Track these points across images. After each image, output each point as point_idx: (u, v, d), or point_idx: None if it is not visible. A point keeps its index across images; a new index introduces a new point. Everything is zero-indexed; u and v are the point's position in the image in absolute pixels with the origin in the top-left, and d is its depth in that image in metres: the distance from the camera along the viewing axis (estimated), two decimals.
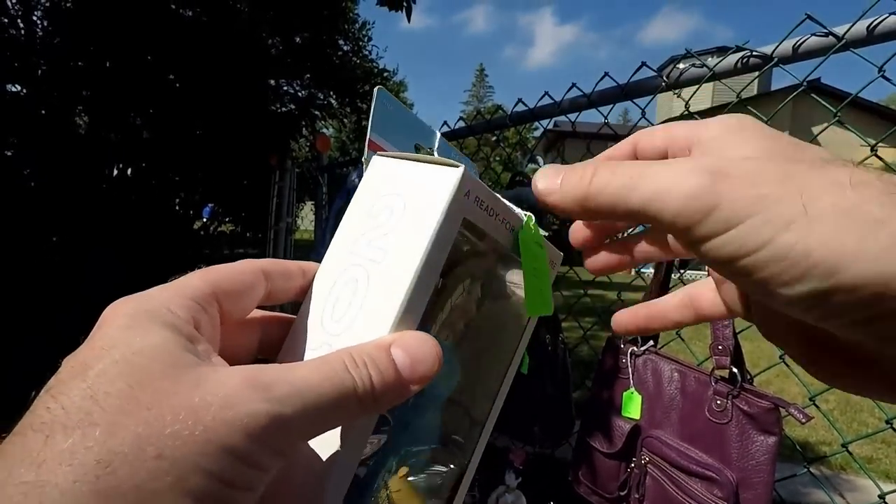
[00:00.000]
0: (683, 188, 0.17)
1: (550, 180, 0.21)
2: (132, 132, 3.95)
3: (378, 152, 0.26)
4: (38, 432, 0.15)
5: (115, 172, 3.96)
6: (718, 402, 0.79)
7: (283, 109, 5.19)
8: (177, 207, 4.48)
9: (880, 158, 0.63)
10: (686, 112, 0.91)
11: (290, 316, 0.26)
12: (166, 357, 0.17)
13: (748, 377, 0.79)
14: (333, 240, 0.25)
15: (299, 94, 5.39)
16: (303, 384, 0.18)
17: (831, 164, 0.16)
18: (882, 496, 0.79)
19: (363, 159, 0.27)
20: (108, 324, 0.18)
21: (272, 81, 4.95)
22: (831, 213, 0.15)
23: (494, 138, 1.68)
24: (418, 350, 0.21)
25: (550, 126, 1.35)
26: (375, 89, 0.28)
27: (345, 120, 6.25)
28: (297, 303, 0.25)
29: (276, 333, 0.25)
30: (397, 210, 0.23)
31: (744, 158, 0.18)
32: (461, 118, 1.63)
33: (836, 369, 0.20)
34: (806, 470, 0.89)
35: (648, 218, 0.18)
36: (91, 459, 0.14)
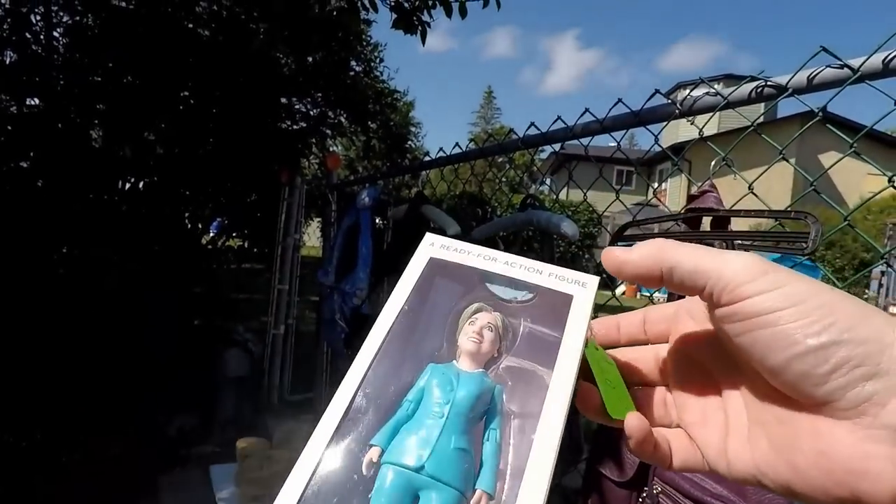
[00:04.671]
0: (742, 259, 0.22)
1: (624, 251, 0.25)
2: (145, 147, 4.01)
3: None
4: None
5: (127, 186, 4.01)
6: None
7: (294, 127, 5.26)
8: (186, 222, 4.51)
9: None
10: (699, 137, 0.92)
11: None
12: None
13: None
14: None
15: (310, 112, 5.47)
16: None
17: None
18: None
19: None
20: None
21: (284, 99, 5.03)
22: None
23: (501, 160, 1.69)
24: None
25: (558, 148, 1.36)
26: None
27: (354, 139, 6.33)
28: None
29: None
30: None
31: None
32: (471, 140, 1.65)
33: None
34: None
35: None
36: None
